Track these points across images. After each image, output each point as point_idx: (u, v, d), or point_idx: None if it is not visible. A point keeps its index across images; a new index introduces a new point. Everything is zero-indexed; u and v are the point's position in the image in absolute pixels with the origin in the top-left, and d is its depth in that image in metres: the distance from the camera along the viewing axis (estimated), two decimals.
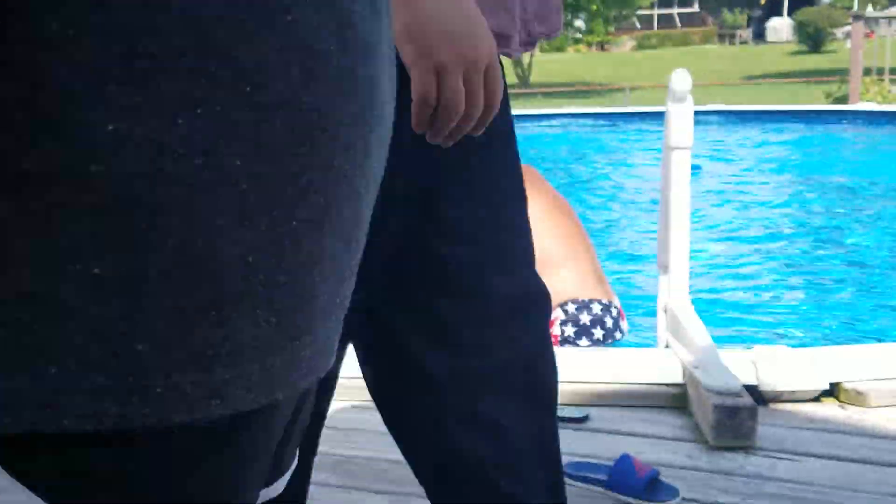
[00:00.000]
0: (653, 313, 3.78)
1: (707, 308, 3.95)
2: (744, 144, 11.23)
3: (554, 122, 13.43)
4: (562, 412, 2.21)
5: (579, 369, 2.42)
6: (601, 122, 13.38)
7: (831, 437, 2.25)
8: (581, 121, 13.41)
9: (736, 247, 5.99)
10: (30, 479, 0.47)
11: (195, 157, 0.44)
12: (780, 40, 41.48)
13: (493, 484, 1.10)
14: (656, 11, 51.17)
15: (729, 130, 12.01)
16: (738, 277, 5.27)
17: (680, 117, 2.72)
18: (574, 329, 3.27)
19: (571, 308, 3.28)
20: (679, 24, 53.74)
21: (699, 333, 2.50)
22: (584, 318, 3.27)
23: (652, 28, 53.16)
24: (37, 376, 0.43)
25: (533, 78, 25.45)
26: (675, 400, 2.38)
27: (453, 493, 1.14)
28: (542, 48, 31.57)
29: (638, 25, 48.91)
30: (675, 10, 54.39)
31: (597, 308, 3.30)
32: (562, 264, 3.30)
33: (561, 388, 2.32)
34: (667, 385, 2.42)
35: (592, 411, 2.25)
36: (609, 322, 3.31)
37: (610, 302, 3.37)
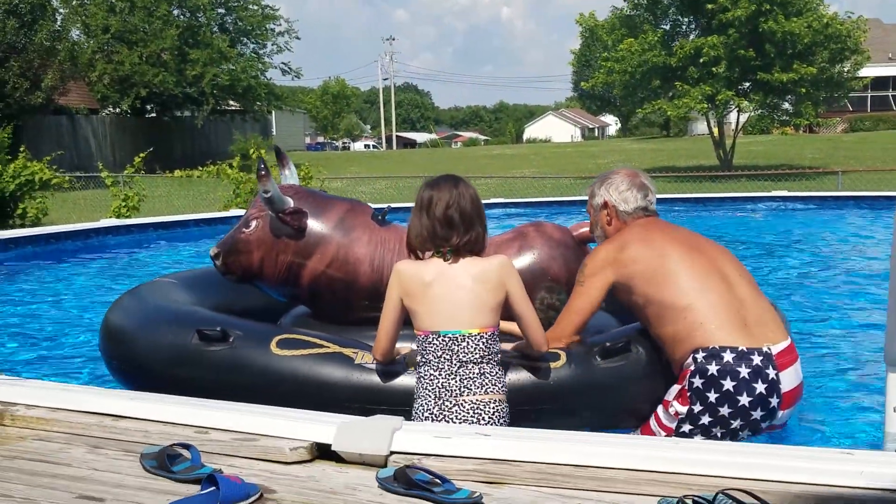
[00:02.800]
0: (878, 412, 3.50)
1: None
2: None
3: (761, 205, 12.96)
4: None
5: (802, 471, 2.26)
6: (812, 206, 12.75)
7: None
8: (790, 204, 12.84)
9: None
10: None
11: None
12: None
13: None
14: (870, 93, 48.72)
15: None
16: None
17: None
18: (702, 381, 2.96)
19: (700, 356, 2.97)
20: (894, 107, 50.88)
21: None
22: (712, 368, 2.95)
23: (865, 110, 50.60)
24: None
25: (736, 160, 24.76)
26: None
27: None
28: (746, 129, 30.74)
29: (850, 107, 46.70)
30: (890, 92, 51.59)
31: (728, 356, 2.95)
32: (690, 305, 3.04)
33: (782, 488, 2.19)
34: None
35: None
36: (745, 372, 2.93)
37: (752, 349, 2.97)
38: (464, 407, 2.96)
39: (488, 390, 2.97)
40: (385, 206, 4.22)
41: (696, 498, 2.10)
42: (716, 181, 19.26)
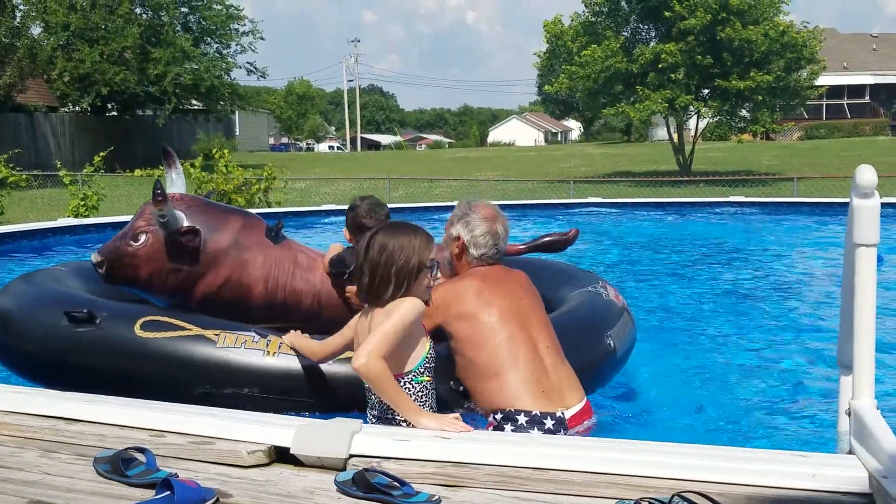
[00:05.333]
0: (830, 415, 3.56)
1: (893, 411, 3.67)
2: None
3: (718, 210, 13.12)
4: None
5: (755, 473, 2.29)
6: (767, 211, 12.95)
7: None
8: (747, 210, 13.03)
9: None
10: None
11: None
12: None
13: None
14: (825, 101, 49.57)
15: None
16: None
17: (866, 213, 2.58)
18: None
19: (498, 416, 3.22)
20: (849, 115, 51.85)
21: (888, 439, 2.31)
22: (508, 429, 3.18)
23: (820, 118, 51.47)
24: None
25: (694, 165, 25.04)
26: None
27: None
28: (705, 136, 31.10)
29: (805, 115, 47.43)
30: (845, 101, 52.57)
31: (522, 419, 3.19)
32: (497, 374, 3.28)
33: (736, 490, 2.22)
34: (852, 494, 2.24)
35: None
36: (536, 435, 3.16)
37: (545, 413, 3.21)
38: None
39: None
40: (278, 221, 4.18)
41: (651, 500, 2.12)
42: (675, 186, 19.47)
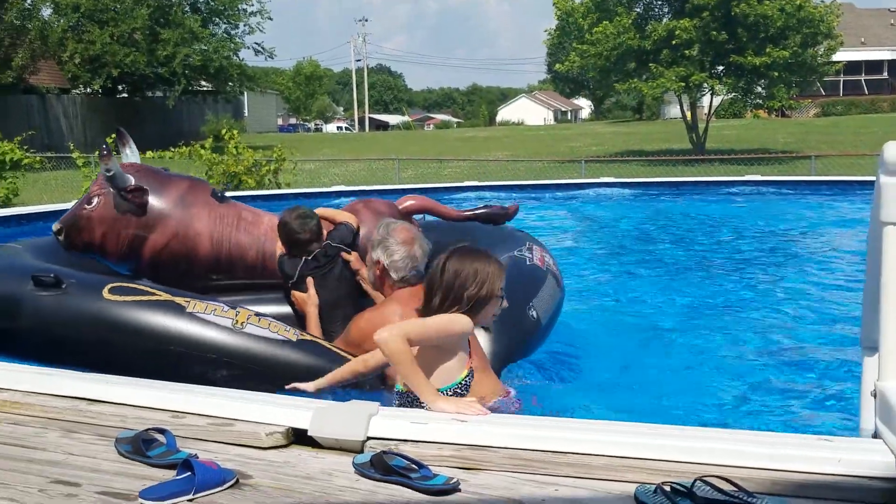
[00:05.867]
0: (852, 397, 3.53)
1: None
2: None
3: (734, 189, 13.00)
4: (762, 502, 2.07)
5: (779, 458, 2.27)
6: (785, 190, 12.82)
7: None
8: (763, 189, 12.89)
9: None
10: None
11: None
12: None
13: None
14: (842, 78, 49.04)
15: None
16: None
17: (894, 191, 2.51)
18: None
19: None
20: (866, 91, 51.36)
21: None
22: None
23: (837, 94, 50.99)
24: None
25: (708, 144, 24.87)
26: (887, 495, 2.18)
27: None
28: (719, 113, 30.86)
29: (822, 91, 46.99)
30: (863, 77, 52.05)
31: None
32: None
33: (759, 475, 2.20)
34: (878, 479, 2.21)
35: (793, 502, 2.09)
36: None
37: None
38: None
39: None
40: (223, 187, 4.46)
41: (673, 485, 2.10)
42: (689, 165, 19.35)
